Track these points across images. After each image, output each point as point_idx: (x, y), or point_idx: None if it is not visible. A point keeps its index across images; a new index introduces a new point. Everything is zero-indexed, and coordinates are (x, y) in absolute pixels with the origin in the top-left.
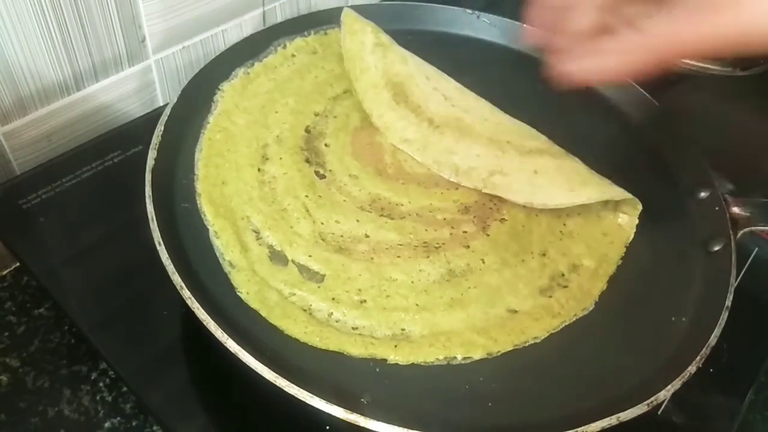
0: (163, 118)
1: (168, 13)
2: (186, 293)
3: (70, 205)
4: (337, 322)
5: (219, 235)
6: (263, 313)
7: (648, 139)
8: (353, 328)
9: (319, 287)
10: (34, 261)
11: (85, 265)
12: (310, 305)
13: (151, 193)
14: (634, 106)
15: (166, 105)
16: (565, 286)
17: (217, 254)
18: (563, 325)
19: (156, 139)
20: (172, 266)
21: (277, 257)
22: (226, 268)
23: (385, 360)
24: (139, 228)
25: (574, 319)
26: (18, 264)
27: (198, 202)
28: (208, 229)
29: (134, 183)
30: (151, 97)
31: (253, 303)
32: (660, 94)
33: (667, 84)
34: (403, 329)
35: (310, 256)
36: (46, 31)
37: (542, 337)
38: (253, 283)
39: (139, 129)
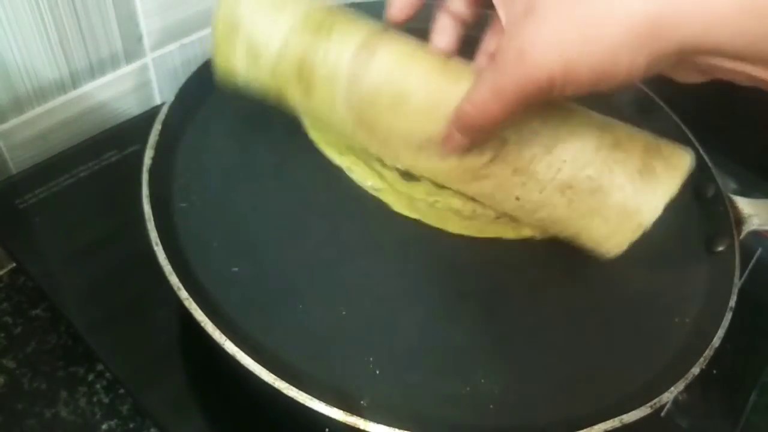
0: (161, 116)
1: (165, 10)
2: (183, 294)
3: (66, 204)
4: (481, 216)
5: (352, 169)
6: (424, 220)
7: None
8: (496, 218)
9: (455, 192)
10: (31, 261)
11: (81, 266)
12: (455, 207)
13: (148, 193)
14: (635, 103)
15: (163, 104)
16: None
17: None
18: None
19: (153, 138)
20: (169, 267)
21: (407, 175)
22: (371, 192)
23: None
24: (136, 228)
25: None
26: (14, 264)
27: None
28: (207, 229)
29: (131, 182)
30: (149, 95)
31: (411, 214)
32: (662, 90)
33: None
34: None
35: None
36: (42, 29)
37: None
38: (403, 198)
39: (136, 128)
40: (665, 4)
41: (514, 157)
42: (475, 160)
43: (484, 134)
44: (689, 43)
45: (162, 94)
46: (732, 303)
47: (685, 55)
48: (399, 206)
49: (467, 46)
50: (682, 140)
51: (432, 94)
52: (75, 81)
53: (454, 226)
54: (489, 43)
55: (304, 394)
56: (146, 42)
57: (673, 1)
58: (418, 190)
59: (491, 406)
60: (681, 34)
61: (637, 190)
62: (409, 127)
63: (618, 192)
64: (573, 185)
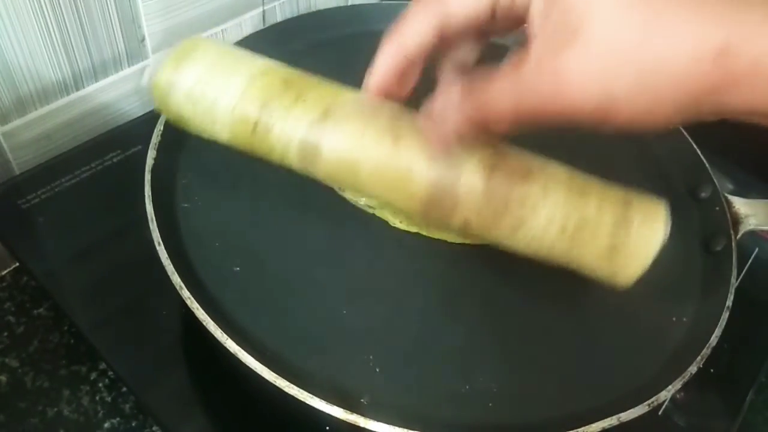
0: (163, 117)
1: (168, 12)
2: (185, 293)
3: (69, 205)
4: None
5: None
6: (423, 233)
7: (647, 138)
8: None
9: None
10: (34, 261)
11: (84, 265)
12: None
13: (150, 193)
14: None
15: None
16: None
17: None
18: None
19: (155, 139)
20: (171, 266)
21: None
22: (369, 210)
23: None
24: (138, 228)
25: None
26: (17, 264)
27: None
28: (209, 229)
29: (134, 183)
30: (151, 96)
31: (410, 228)
32: None
33: None
34: None
35: None
36: (45, 30)
37: None
38: (399, 214)
39: (138, 129)
40: (727, 73)
41: (489, 224)
42: (448, 224)
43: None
44: (736, 108)
45: None
46: (729, 302)
47: (723, 115)
48: (396, 221)
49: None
50: (679, 141)
51: (380, 166)
52: (78, 82)
53: (454, 237)
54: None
55: (305, 393)
56: (149, 44)
57: (734, 71)
58: None
59: (490, 404)
60: (733, 101)
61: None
62: (371, 194)
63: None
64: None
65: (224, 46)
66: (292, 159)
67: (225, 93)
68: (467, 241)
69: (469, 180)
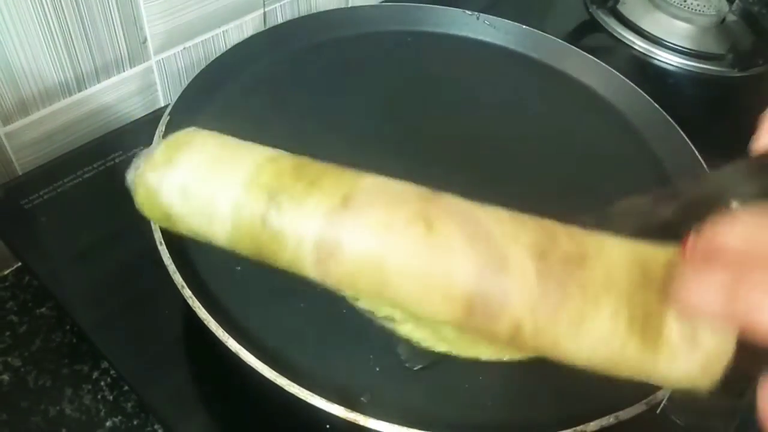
0: (165, 118)
1: (169, 14)
2: (187, 292)
3: (71, 205)
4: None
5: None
6: (453, 352)
7: (647, 140)
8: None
9: None
10: (36, 261)
11: (86, 265)
12: None
13: None
14: (633, 107)
15: (167, 106)
16: None
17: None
18: None
19: (157, 140)
20: (173, 265)
21: None
22: (384, 323)
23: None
24: (140, 228)
25: None
26: (19, 264)
27: None
28: None
29: None
30: (153, 97)
31: (438, 346)
32: (660, 94)
33: (666, 85)
34: None
35: None
36: (47, 32)
37: None
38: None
39: (140, 130)
40: None
41: (545, 323)
42: (493, 332)
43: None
44: None
45: (166, 96)
46: None
47: None
48: (422, 337)
49: None
50: (677, 141)
51: (411, 259)
52: (80, 83)
53: (489, 354)
54: None
55: (306, 391)
56: (150, 45)
57: None
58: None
59: (489, 403)
60: None
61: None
62: (397, 298)
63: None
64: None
65: (223, 137)
66: (306, 260)
67: (227, 185)
68: (505, 358)
69: (519, 271)
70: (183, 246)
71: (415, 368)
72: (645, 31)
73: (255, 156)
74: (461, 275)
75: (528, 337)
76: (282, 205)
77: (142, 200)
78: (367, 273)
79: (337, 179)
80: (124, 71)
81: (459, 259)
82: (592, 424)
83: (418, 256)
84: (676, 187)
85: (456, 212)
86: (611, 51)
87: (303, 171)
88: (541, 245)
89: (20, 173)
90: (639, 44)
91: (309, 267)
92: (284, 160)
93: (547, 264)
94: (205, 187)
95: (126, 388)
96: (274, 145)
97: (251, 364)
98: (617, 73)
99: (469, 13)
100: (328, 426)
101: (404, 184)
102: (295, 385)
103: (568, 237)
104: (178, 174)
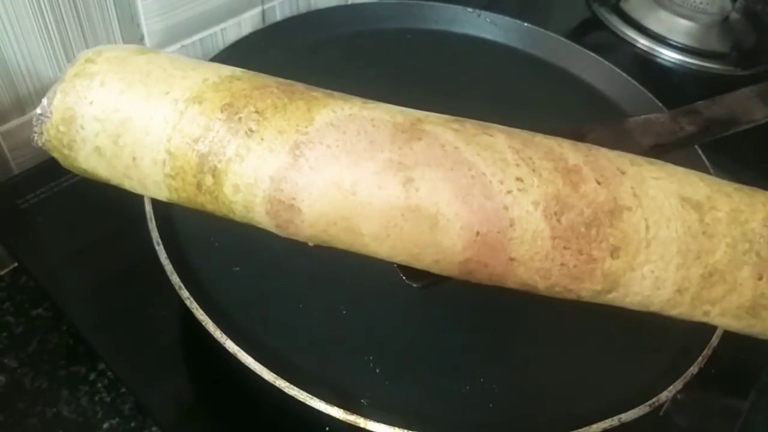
0: None
1: (167, 11)
2: (185, 293)
3: (68, 205)
4: None
5: None
6: None
7: (648, 139)
8: None
9: None
10: (33, 261)
11: (83, 266)
12: None
13: None
14: (635, 105)
15: None
16: None
17: None
18: None
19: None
20: (170, 266)
21: None
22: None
23: None
24: (137, 228)
25: None
26: (16, 264)
27: None
28: (208, 229)
29: None
30: None
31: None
32: (663, 92)
33: (668, 83)
34: None
35: None
36: (44, 30)
37: None
38: None
39: None
40: None
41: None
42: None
43: None
44: None
45: None
46: None
47: None
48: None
49: None
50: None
51: (390, 220)
52: None
53: None
54: None
55: (305, 393)
56: (147, 43)
57: None
58: None
59: (490, 405)
60: None
61: None
62: (387, 258)
63: None
64: None
65: (148, 51)
66: (263, 220)
67: (153, 119)
68: None
69: (530, 235)
70: (181, 246)
71: (414, 285)
72: (648, 28)
73: (191, 80)
74: (454, 245)
75: (544, 292)
76: (220, 156)
77: (55, 144)
78: (340, 235)
79: (286, 117)
80: None
81: (448, 226)
82: (594, 426)
83: (395, 224)
84: (692, 106)
85: (441, 156)
86: (614, 49)
87: (238, 104)
88: (558, 196)
89: (16, 172)
90: (642, 42)
91: (270, 228)
92: (225, 87)
93: (566, 216)
94: (126, 121)
95: (123, 389)
96: None
97: (249, 366)
98: (620, 71)
99: (471, 10)
100: (327, 428)
101: (376, 110)
102: (295, 387)
103: (593, 173)
104: (90, 102)
